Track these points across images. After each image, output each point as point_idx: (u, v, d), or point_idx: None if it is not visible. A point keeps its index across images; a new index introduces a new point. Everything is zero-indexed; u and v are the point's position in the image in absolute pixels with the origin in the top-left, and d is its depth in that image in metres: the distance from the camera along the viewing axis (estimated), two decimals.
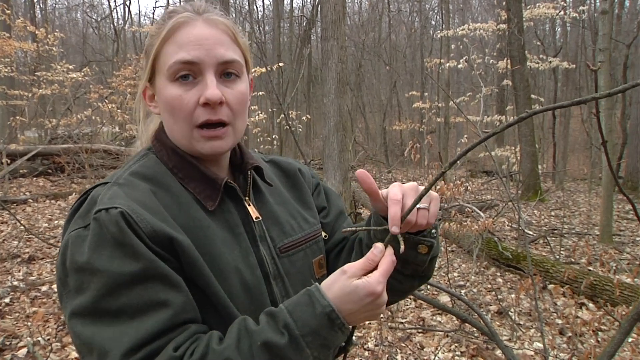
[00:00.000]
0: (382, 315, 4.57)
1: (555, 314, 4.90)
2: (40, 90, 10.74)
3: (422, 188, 0.98)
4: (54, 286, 5.13)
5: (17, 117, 10.63)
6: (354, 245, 1.22)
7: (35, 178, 11.42)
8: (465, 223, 5.71)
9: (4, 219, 8.06)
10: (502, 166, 12.64)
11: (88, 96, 11.32)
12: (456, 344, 4.22)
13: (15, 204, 9.02)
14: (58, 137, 12.25)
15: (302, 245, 1.16)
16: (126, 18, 27.06)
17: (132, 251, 0.87)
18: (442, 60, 14.40)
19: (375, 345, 4.20)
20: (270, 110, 15.90)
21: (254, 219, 1.08)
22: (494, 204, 10.10)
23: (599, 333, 4.40)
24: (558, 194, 12.23)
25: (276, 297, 1.05)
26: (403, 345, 4.19)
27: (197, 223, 0.99)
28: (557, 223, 9.01)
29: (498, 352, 3.95)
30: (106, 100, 10.27)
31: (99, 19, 27.33)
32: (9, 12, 11.75)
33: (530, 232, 8.02)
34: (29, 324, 4.32)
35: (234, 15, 22.55)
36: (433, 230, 1.07)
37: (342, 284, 0.89)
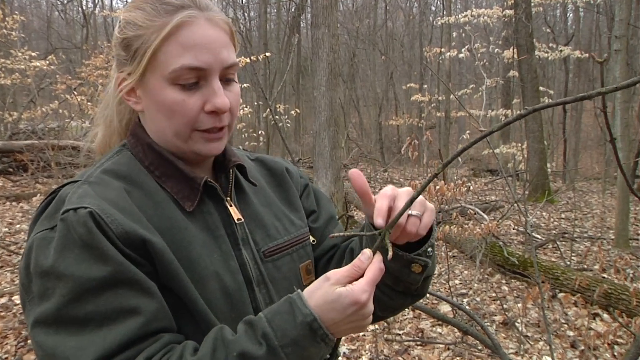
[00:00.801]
0: (371, 327, 4.58)
1: (566, 325, 4.93)
2: None
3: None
4: (15, 298, 5.08)
5: None
6: (345, 253, 1.24)
7: None
8: (467, 226, 5.72)
9: None
10: (507, 164, 12.72)
11: (54, 87, 11.20)
12: (458, 358, 4.24)
13: None
14: (20, 132, 12.16)
15: (288, 250, 1.17)
16: (96, 1, 26.89)
17: (101, 254, 0.88)
18: (442, 50, 14.44)
19: (370, 359, 4.21)
20: (255, 103, 15.90)
21: (236, 221, 1.09)
22: (498, 205, 10.14)
23: (615, 347, 4.43)
24: (569, 194, 12.30)
25: (259, 304, 1.06)
26: (400, 359, 4.21)
27: (174, 224, 1.00)
28: (567, 226, 9.06)
29: None
30: (75, 92, 10.19)
31: (66, 1, 27.08)
32: None
33: (538, 236, 8.07)
34: None
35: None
36: (429, 249, 1.08)
37: (324, 291, 0.90)
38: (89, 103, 9.74)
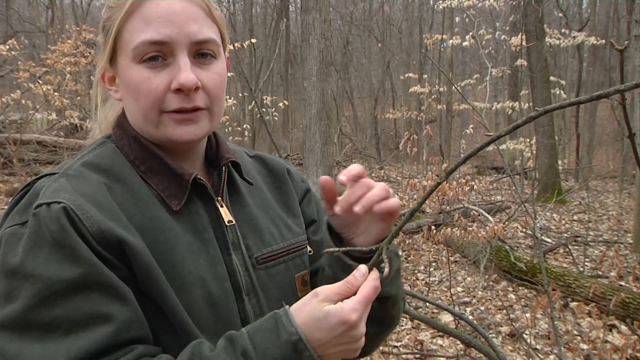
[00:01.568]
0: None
1: (579, 337, 4.93)
2: None
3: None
4: None
5: None
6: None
7: None
8: (470, 229, 5.74)
9: None
10: (515, 162, 12.76)
11: (16, 75, 11.15)
12: None
13: None
14: None
15: (283, 257, 1.16)
16: None
17: (73, 254, 0.88)
18: (444, 37, 14.48)
19: None
20: (240, 95, 15.87)
21: (227, 223, 1.09)
22: (504, 206, 10.18)
23: None
24: (582, 194, 12.35)
25: (248, 315, 1.05)
26: None
27: (157, 225, 0.99)
28: (580, 229, 9.09)
29: None
30: (39, 81, 10.14)
31: None
32: None
33: (548, 240, 8.09)
34: None
35: None
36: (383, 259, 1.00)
37: (311, 308, 0.89)
38: (55, 93, 9.70)
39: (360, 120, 24.60)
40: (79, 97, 11.16)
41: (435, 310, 5.33)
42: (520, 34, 12.13)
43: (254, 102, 9.04)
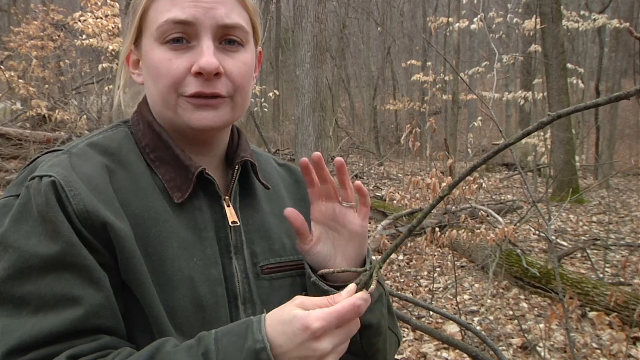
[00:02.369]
0: None
1: (599, 351, 4.92)
2: None
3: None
4: None
5: None
6: None
7: None
8: (478, 231, 5.73)
9: None
10: (527, 157, 12.77)
11: None
12: None
13: None
14: None
15: (291, 271, 1.19)
16: None
17: (53, 229, 0.92)
18: (450, 20, 14.48)
19: None
20: None
21: (230, 224, 1.12)
22: (516, 206, 10.19)
23: None
24: (601, 193, 12.39)
25: None
26: None
27: (152, 215, 1.03)
28: (600, 231, 9.11)
29: None
30: (1, 67, 10.10)
31: None
32: None
33: (564, 243, 8.10)
34: None
35: None
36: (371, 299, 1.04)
37: (283, 310, 0.92)
38: (20, 80, 9.65)
39: (357, 111, 24.64)
40: (47, 85, 11.14)
41: (440, 320, 5.33)
42: (535, 16, 12.16)
43: None
